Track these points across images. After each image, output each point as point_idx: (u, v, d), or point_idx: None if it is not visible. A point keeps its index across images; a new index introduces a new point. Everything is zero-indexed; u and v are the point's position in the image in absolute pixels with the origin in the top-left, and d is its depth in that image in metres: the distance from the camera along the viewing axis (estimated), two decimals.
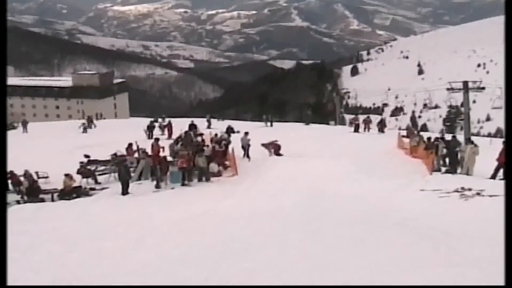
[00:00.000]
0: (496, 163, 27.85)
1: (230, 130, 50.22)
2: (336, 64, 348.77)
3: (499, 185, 24.35)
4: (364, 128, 58.74)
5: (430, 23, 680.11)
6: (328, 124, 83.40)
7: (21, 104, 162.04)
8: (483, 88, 42.89)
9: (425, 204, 21.79)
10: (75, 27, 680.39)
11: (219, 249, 15.29)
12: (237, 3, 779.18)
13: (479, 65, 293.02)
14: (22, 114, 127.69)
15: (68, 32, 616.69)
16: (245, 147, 36.69)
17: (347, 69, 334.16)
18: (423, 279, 11.44)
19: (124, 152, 34.78)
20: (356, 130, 58.22)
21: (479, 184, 24.57)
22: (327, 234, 16.70)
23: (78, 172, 30.55)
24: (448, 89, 44.08)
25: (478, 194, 22.54)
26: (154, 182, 28.76)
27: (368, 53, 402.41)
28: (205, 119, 65.08)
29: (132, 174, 29.85)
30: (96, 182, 30.99)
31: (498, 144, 31.53)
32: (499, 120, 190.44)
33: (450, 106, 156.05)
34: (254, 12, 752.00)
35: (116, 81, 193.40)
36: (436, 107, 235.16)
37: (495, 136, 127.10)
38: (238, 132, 48.25)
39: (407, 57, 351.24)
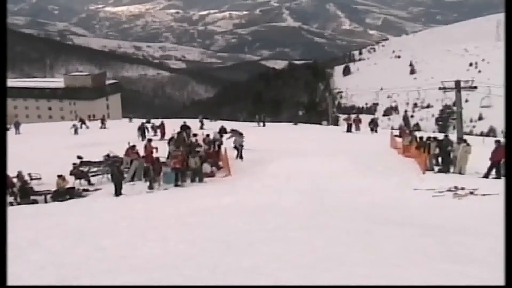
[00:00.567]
0: (489, 162, 27.96)
1: (223, 131, 50.21)
2: (328, 64, 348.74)
3: (492, 184, 24.47)
4: (354, 127, 58.91)
5: (422, 23, 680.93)
6: (320, 124, 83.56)
7: (14, 105, 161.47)
8: (475, 87, 43.01)
9: (419, 202, 21.83)
10: (67, 28, 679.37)
11: (223, 243, 15.22)
12: (229, 4, 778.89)
13: (471, 64, 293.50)
14: (14, 115, 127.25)
15: (60, 33, 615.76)
16: (238, 148, 36.73)
17: (339, 68, 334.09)
18: (429, 272, 11.45)
19: (117, 153, 34.77)
20: (349, 129, 58.33)
21: (472, 183, 24.65)
22: (330, 229, 16.67)
23: (71, 173, 30.47)
24: (440, 88, 44.22)
25: (471, 193, 22.60)
26: (147, 183, 28.73)
27: (360, 53, 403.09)
28: (197, 120, 65.13)
29: (125, 175, 29.83)
30: (89, 183, 30.93)
31: (490, 143, 31.59)
32: (491, 119, 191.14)
33: (446, 106, 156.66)
34: (246, 12, 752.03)
35: (108, 82, 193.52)
36: (429, 106, 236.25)
37: (487, 135, 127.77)
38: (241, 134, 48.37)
39: (399, 57, 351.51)
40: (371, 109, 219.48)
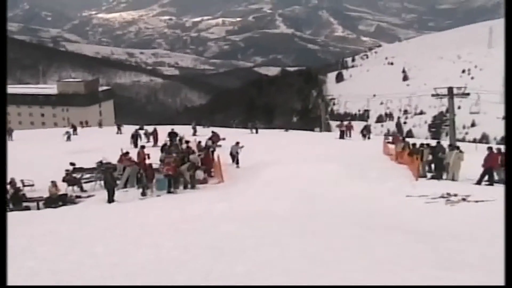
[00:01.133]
0: (481, 169, 28.04)
1: (215, 137, 50.26)
2: (321, 71, 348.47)
3: (485, 191, 24.54)
4: (346, 133, 59.11)
5: (415, 29, 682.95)
6: (313, 130, 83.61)
7: (7, 111, 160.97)
8: (468, 94, 43.20)
9: (412, 209, 21.85)
10: (60, 34, 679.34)
11: (216, 250, 15.27)
12: (222, 10, 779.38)
13: (464, 71, 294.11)
14: (7, 122, 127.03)
15: (53, 39, 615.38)
16: (235, 155, 36.79)
17: (332, 75, 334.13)
18: (420, 279, 11.51)
19: (109, 160, 34.75)
20: (342, 136, 58.44)
21: (465, 189, 24.71)
22: (323, 235, 16.75)
23: (64, 180, 30.45)
24: (433, 95, 44.37)
25: (464, 199, 22.65)
26: (140, 190, 28.68)
27: (353, 60, 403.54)
28: (190, 126, 65.15)
29: (118, 182, 29.79)
30: (82, 189, 30.90)
31: (483, 150, 31.68)
32: (484, 126, 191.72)
33: (441, 113, 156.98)
34: (239, 19, 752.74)
35: (101, 88, 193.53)
36: (422, 113, 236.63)
37: (480, 141, 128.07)
38: (224, 139, 48.27)
39: (392, 63, 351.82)
40: (364, 116, 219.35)
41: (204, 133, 57.21)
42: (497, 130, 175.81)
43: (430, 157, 31.92)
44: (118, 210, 24.04)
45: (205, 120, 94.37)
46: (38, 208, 26.54)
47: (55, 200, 27.03)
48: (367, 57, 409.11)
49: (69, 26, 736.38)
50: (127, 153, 33.64)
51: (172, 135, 48.03)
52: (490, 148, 29.34)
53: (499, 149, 29.63)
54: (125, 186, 30.38)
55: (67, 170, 31.84)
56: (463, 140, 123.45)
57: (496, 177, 27.88)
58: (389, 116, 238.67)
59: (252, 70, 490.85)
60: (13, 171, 29.32)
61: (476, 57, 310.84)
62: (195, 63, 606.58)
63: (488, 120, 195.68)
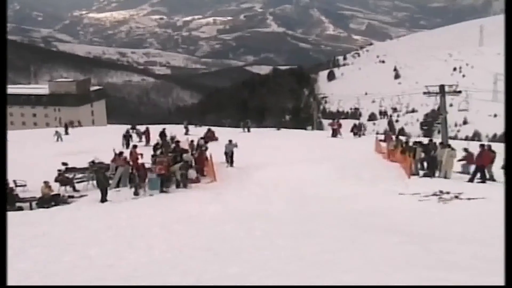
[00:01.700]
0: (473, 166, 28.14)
1: (210, 133, 50.33)
2: (313, 69, 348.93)
3: (477, 188, 24.61)
4: (338, 132, 59.23)
5: (406, 28, 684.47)
6: (305, 129, 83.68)
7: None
8: (460, 91, 43.29)
9: (405, 207, 21.92)
10: (51, 34, 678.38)
11: (210, 251, 15.30)
12: (212, 9, 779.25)
13: (455, 69, 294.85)
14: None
15: (44, 39, 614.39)
16: (229, 154, 36.73)
17: (323, 74, 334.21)
18: (413, 279, 11.52)
19: (101, 159, 34.69)
20: (334, 135, 58.49)
21: (457, 187, 24.81)
22: (317, 236, 16.78)
23: (56, 180, 30.37)
24: (425, 93, 44.41)
25: (456, 197, 22.73)
26: (133, 189, 28.65)
27: (345, 58, 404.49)
28: (182, 126, 65.10)
29: (111, 182, 29.75)
30: (75, 189, 30.80)
31: (475, 148, 31.75)
32: (476, 124, 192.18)
33: (434, 110, 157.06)
34: (230, 18, 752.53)
35: (93, 88, 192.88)
36: (413, 111, 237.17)
37: (472, 139, 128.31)
38: (216, 139, 48.30)
39: (383, 62, 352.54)
40: (356, 114, 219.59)
41: (196, 133, 57.16)
42: (489, 127, 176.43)
43: (423, 155, 31.97)
44: (111, 210, 23.98)
45: (197, 119, 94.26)
46: (31, 209, 26.46)
47: (48, 200, 26.95)
48: (359, 56, 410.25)
49: (60, 26, 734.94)
50: (121, 153, 33.58)
51: (162, 135, 47.97)
52: (482, 146, 29.39)
53: (489, 146, 29.70)
54: (117, 185, 30.33)
55: (59, 170, 31.75)
56: (455, 138, 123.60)
57: (488, 175, 27.98)
58: (384, 114, 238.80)
59: (243, 69, 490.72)
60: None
61: (467, 55, 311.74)
62: (187, 63, 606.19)
63: (480, 118, 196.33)
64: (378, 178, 29.29)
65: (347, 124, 74.67)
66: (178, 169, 29.74)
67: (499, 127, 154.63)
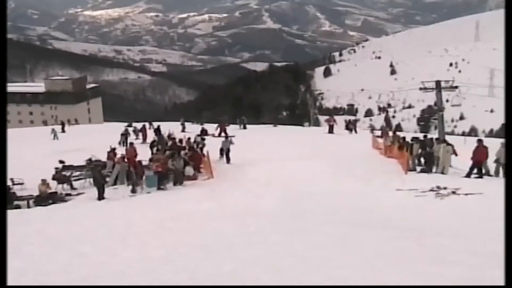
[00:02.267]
0: (470, 162, 28.16)
1: (204, 133, 50.28)
2: (309, 66, 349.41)
3: (474, 184, 24.66)
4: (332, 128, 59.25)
5: (402, 23, 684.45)
6: (302, 125, 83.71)
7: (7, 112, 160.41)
8: (456, 87, 43.24)
9: (402, 203, 21.96)
10: (47, 32, 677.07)
11: (204, 248, 15.32)
12: (208, 6, 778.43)
13: (451, 64, 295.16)
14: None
15: (40, 37, 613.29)
16: (225, 150, 36.71)
17: (320, 70, 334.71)
18: (407, 275, 11.55)
19: (98, 157, 34.69)
20: (331, 131, 58.49)
21: (454, 182, 24.85)
22: (310, 232, 16.82)
23: (54, 178, 30.37)
24: (421, 88, 44.39)
25: (453, 192, 22.79)
26: (130, 187, 28.66)
27: (341, 54, 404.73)
28: (179, 123, 65.15)
29: (108, 179, 29.76)
30: (72, 187, 30.79)
31: (472, 143, 31.78)
32: (472, 119, 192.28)
33: (431, 106, 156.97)
34: (225, 15, 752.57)
35: (89, 86, 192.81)
36: (410, 107, 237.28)
37: (469, 134, 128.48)
38: (213, 135, 48.33)
39: (379, 58, 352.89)
40: (352, 110, 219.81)
41: (193, 130, 57.20)
42: (486, 123, 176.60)
43: (420, 150, 31.98)
44: (107, 208, 24.00)
45: (193, 116, 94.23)
46: (29, 207, 26.46)
47: (45, 199, 26.94)
48: (355, 52, 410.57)
49: (55, 24, 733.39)
50: (114, 149, 33.70)
51: (157, 132, 48.07)
52: (479, 141, 29.42)
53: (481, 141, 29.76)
54: (115, 183, 30.33)
55: (56, 168, 31.74)
56: (452, 133, 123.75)
57: (484, 170, 28.03)
58: (382, 110, 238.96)
59: (239, 66, 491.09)
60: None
61: (462, 51, 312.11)
62: (183, 60, 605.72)
63: (477, 113, 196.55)
64: (375, 174, 29.29)
65: (341, 121, 74.71)
66: (175, 166, 29.79)
67: (496, 123, 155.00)
